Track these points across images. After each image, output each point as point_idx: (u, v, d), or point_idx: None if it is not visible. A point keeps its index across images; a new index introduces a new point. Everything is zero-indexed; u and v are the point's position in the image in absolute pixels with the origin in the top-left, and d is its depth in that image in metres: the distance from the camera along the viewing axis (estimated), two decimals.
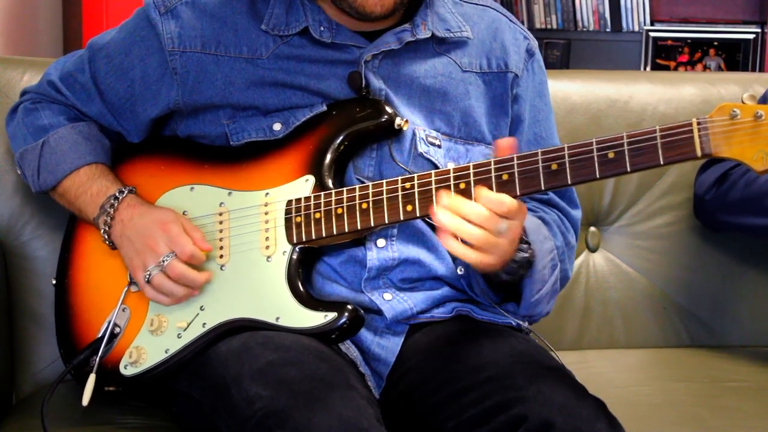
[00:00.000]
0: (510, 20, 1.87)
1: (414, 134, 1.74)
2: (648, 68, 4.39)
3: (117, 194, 1.76)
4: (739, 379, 2.06)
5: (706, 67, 4.39)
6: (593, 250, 2.29)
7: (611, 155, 1.51)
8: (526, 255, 1.66)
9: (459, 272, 1.76)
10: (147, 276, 1.68)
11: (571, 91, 2.29)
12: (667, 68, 4.38)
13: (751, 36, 4.33)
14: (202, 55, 1.76)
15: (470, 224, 1.54)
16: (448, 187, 1.58)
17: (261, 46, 1.75)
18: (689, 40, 4.39)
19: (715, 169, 2.16)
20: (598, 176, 1.52)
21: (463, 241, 1.55)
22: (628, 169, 1.50)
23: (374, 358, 1.70)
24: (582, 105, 2.28)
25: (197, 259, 1.69)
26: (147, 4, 1.80)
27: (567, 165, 1.53)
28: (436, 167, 1.71)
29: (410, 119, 1.73)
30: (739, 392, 2.00)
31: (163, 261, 1.68)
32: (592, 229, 2.30)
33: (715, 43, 4.37)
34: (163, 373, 1.70)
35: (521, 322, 1.75)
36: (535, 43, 1.87)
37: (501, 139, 1.61)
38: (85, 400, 1.71)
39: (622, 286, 2.27)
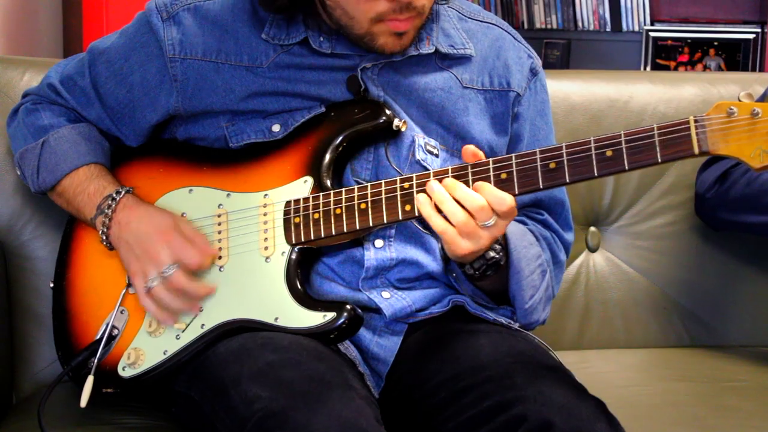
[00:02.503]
0: (514, 38, 1.86)
1: (413, 140, 1.74)
2: (648, 68, 4.39)
3: (114, 195, 1.76)
4: (739, 379, 2.06)
5: (706, 67, 4.39)
6: (593, 250, 2.29)
7: (609, 153, 1.51)
8: (497, 256, 1.66)
9: (452, 277, 1.75)
10: (147, 287, 1.68)
11: (571, 91, 2.28)
12: (667, 68, 4.38)
13: (751, 36, 4.33)
14: (202, 62, 1.76)
15: (457, 204, 1.55)
16: None
17: (261, 54, 1.75)
18: (689, 40, 4.39)
19: (716, 167, 2.16)
20: (596, 174, 1.52)
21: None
22: (626, 167, 1.50)
23: (373, 358, 1.70)
24: (582, 105, 2.28)
25: (204, 268, 1.69)
26: (149, 9, 1.80)
27: (565, 163, 1.53)
28: None
29: (409, 126, 1.74)
30: (739, 392, 2.00)
31: (165, 272, 1.67)
32: (592, 229, 2.29)
33: (715, 43, 4.37)
34: (162, 375, 1.70)
35: (511, 321, 1.75)
36: (539, 62, 1.87)
37: (467, 146, 1.60)
38: (83, 401, 1.71)
39: (622, 286, 2.27)
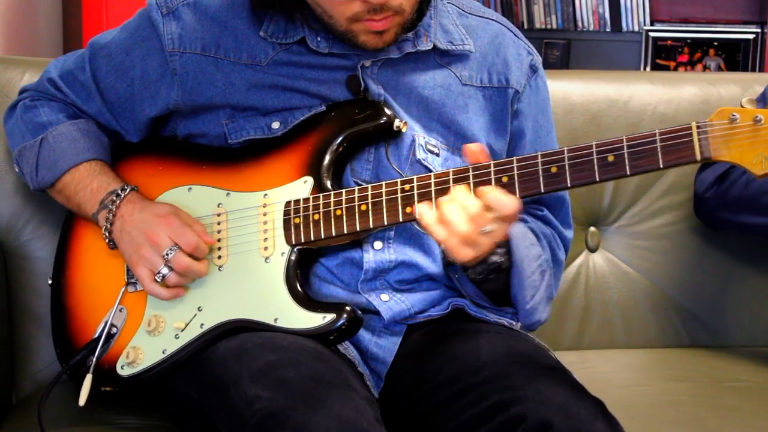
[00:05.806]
0: (515, 35, 1.85)
1: (414, 140, 1.74)
2: (648, 68, 4.39)
3: (119, 191, 1.76)
4: (739, 379, 2.06)
5: (706, 67, 4.39)
6: (593, 250, 2.29)
7: (611, 158, 1.51)
8: (499, 260, 1.65)
9: (455, 277, 1.75)
10: (160, 277, 1.68)
11: (571, 91, 2.28)
12: (667, 68, 4.38)
13: (751, 36, 4.33)
14: (201, 56, 1.76)
15: (462, 214, 1.54)
16: (447, 190, 1.58)
17: (260, 52, 1.75)
18: (689, 40, 4.39)
19: (715, 167, 2.16)
20: (597, 179, 1.52)
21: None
22: (628, 173, 1.51)
23: (372, 358, 1.70)
24: (582, 105, 2.28)
25: (201, 252, 1.69)
26: (149, 4, 1.80)
27: (566, 168, 1.53)
28: None
29: (409, 125, 1.73)
30: (739, 392, 2.00)
31: (167, 254, 1.67)
32: (592, 229, 2.29)
33: (715, 43, 4.37)
34: (161, 374, 1.70)
35: (513, 321, 1.75)
36: (538, 59, 1.86)
37: (470, 144, 1.60)
38: (82, 400, 1.71)
39: (622, 286, 2.27)
